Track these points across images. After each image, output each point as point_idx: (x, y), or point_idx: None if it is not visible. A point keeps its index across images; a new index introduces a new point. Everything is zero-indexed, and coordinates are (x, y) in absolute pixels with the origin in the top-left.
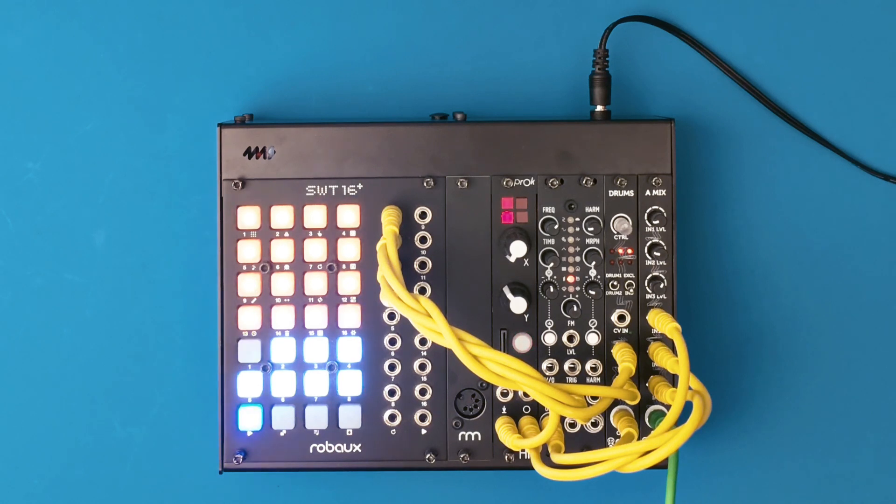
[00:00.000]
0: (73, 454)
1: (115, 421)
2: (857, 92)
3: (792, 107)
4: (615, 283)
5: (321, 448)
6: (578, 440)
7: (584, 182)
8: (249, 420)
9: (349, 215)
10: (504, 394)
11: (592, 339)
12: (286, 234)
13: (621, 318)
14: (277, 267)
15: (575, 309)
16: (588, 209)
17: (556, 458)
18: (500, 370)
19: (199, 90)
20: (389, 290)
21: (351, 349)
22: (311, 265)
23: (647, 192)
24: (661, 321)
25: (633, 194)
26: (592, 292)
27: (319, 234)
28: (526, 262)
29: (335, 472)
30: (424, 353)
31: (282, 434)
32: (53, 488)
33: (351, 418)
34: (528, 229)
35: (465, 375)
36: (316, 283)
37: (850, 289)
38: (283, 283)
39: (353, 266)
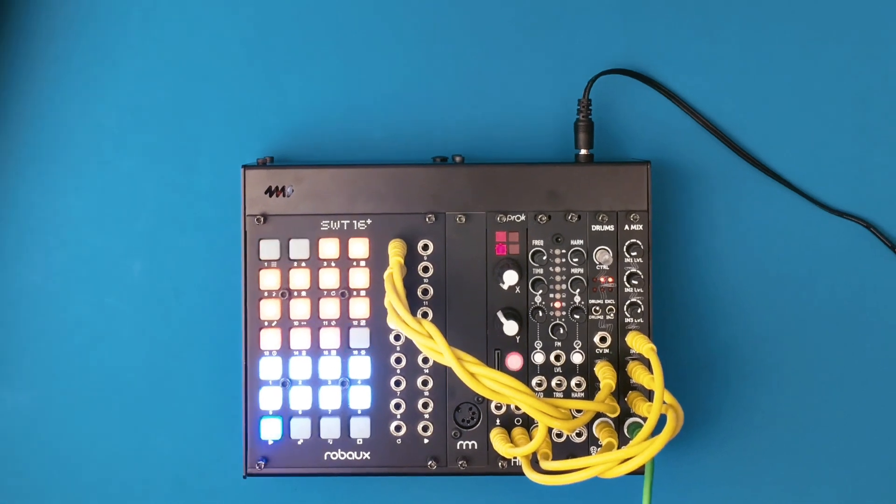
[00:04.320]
0: (115, 461)
1: (150, 431)
2: (816, 137)
3: (756, 151)
4: (597, 308)
5: (334, 455)
6: (564, 449)
7: (570, 218)
8: (270, 430)
9: (359, 247)
10: (498, 407)
11: (577, 358)
12: (303, 263)
13: (603, 339)
14: (295, 293)
15: (561, 331)
16: (573, 242)
17: (545, 464)
18: (495, 386)
19: (226, 136)
20: (395, 314)
21: (361, 367)
22: (325, 292)
23: (626, 227)
24: (638, 342)
25: (613, 229)
26: (577, 316)
27: (333, 264)
28: (517, 290)
29: (347, 476)
30: (427, 371)
31: (299, 443)
32: (93, 489)
33: (361, 429)
34: (520, 260)
35: (463, 390)
36: (329, 308)
37: (809, 312)
38: (300, 308)
39: (362, 293)
